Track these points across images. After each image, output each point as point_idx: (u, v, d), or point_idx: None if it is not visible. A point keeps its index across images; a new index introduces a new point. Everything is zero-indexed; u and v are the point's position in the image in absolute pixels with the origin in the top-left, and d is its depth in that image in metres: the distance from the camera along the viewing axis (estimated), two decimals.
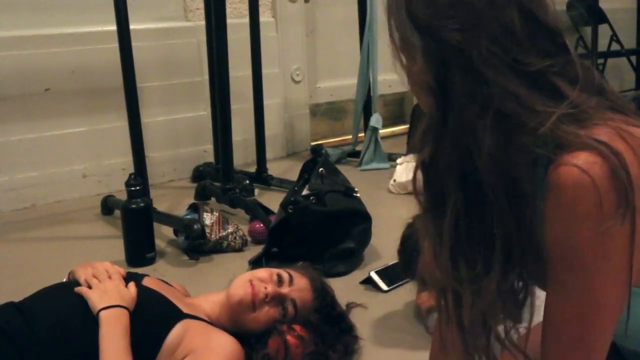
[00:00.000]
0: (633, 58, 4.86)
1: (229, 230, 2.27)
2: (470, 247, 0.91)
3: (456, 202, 0.89)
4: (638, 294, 0.89)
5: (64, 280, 1.51)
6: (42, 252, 2.37)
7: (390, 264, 1.98)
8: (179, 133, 3.24)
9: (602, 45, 4.58)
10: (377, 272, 1.95)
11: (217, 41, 2.54)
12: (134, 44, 2.38)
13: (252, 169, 3.13)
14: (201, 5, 3.07)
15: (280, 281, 1.47)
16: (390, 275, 1.93)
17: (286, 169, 3.29)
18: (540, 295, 0.94)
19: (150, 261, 2.18)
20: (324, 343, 1.43)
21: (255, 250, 2.19)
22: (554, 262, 0.86)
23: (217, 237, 2.24)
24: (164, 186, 3.13)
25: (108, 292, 1.33)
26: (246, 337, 1.42)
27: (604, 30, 4.56)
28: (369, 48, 3.24)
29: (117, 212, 2.56)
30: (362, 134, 3.47)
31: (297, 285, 1.48)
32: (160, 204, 2.65)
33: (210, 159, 3.22)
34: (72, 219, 2.71)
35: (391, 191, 2.84)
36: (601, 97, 0.89)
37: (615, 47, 4.68)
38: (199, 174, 3.17)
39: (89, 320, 1.29)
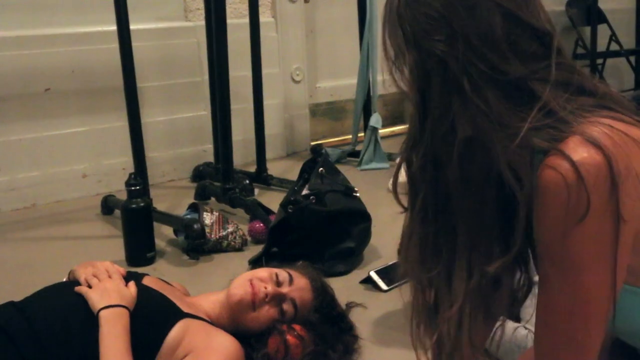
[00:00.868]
0: (632, 58, 4.87)
1: (229, 230, 2.27)
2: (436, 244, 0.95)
3: (425, 202, 0.94)
4: (629, 291, 0.89)
5: (64, 279, 1.51)
6: (42, 252, 2.37)
7: (390, 263, 1.98)
8: (179, 133, 3.24)
9: (601, 45, 4.58)
10: (377, 272, 1.95)
11: (217, 41, 2.54)
12: (134, 44, 2.38)
13: (252, 169, 3.13)
14: (201, 5, 3.07)
15: (280, 281, 1.48)
16: (390, 274, 1.93)
17: (286, 169, 3.29)
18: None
19: (150, 261, 2.18)
20: (323, 343, 1.43)
21: (255, 250, 2.19)
22: (543, 260, 0.87)
23: (217, 236, 2.24)
24: (164, 186, 3.13)
25: (108, 292, 1.33)
26: (246, 337, 1.42)
27: (603, 31, 4.56)
28: (369, 48, 3.25)
29: (117, 212, 2.57)
30: (362, 134, 3.47)
31: (297, 284, 1.49)
32: (160, 204, 2.65)
33: (210, 158, 3.22)
34: (72, 219, 2.71)
35: (391, 191, 2.84)
36: (592, 98, 0.89)
37: (614, 47, 4.69)
38: (199, 174, 3.17)
39: (89, 320, 1.29)
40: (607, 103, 0.89)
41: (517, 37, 0.87)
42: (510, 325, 1.40)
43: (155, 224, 2.25)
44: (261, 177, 3.07)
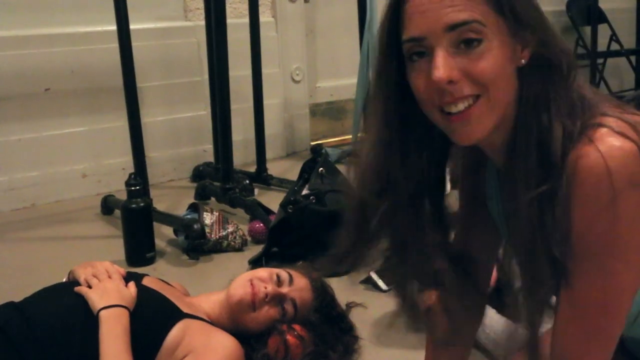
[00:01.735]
0: (632, 58, 4.86)
1: (229, 230, 2.27)
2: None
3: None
4: None
5: (64, 280, 1.51)
6: (42, 252, 2.37)
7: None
8: (179, 133, 3.24)
9: (602, 45, 4.58)
10: (377, 272, 1.94)
11: (217, 41, 2.54)
12: (134, 43, 2.38)
13: (252, 169, 3.13)
14: (201, 5, 3.07)
15: (280, 281, 1.47)
16: (390, 275, 1.93)
17: (286, 169, 3.29)
18: None
19: (150, 261, 2.18)
20: (323, 343, 1.43)
21: (255, 250, 2.19)
22: (577, 250, 0.86)
23: (217, 236, 2.24)
24: (163, 186, 3.13)
25: (108, 292, 1.33)
26: (246, 337, 1.41)
27: (603, 30, 4.56)
28: (369, 47, 3.24)
29: (117, 212, 2.56)
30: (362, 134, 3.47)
31: (297, 285, 1.48)
32: (160, 204, 2.65)
33: (210, 158, 3.22)
34: (72, 219, 2.71)
35: None
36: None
37: (614, 47, 4.68)
38: (199, 174, 3.17)
39: (89, 320, 1.28)
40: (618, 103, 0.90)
41: None
42: (503, 320, 1.41)
43: (155, 224, 2.25)
44: (261, 177, 3.06)
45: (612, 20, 4.62)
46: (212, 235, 2.24)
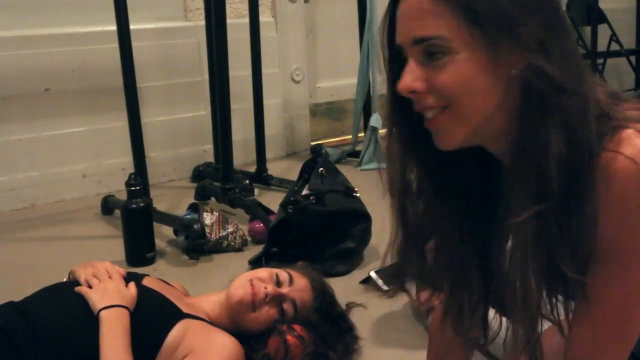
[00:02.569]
0: (632, 58, 4.87)
1: (229, 230, 2.27)
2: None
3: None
4: None
5: (64, 280, 1.51)
6: (42, 252, 2.37)
7: (390, 263, 1.98)
8: (179, 133, 3.24)
9: (602, 45, 4.58)
10: (377, 272, 1.94)
11: (217, 41, 2.54)
12: (134, 43, 2.38)
13: (252, 169, 3.13)
14: (201, 5, 3.07)
15: (280, 281, 1.47)
16: (390, 275, 1.93)
17: (286, 169, 3.29)
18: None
19: (150, 261, 2.18)
20: (323, 343, 1.43)
21: (255, 250, 2.19)
22: (600, 254, 0.85)
23: (217, 236, 2.24)
24: (163, 186, 3.13)
25: (108, 292, 1.33)
26: (246, 337, 1.41)
27: (603, 30, 4.56)
28: (369, 48, 3.25)
29: (117, 212, 2.56)
30: (362, 134, 3.48)
31: (297, 285, 1.48)
32: (160, 204, 2.65)
33: (210, 158, 3.22)
34: (72, 219, 2.71)
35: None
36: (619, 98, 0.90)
37: (614, 47, 4.68)
38: (199, 174, 3.17)
39: (90, 320, 1.28)
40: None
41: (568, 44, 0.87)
42: (504, 320, 1.40)
43: (155, 224, 2.25)
44: (261, 177, 3.06)
45: (612, 20, 4.62)
46: (212, 236, 2.24)
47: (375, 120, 3.33)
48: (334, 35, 3.83)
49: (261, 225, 2.33)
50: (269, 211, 2.42)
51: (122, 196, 2.28)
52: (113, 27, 2.37)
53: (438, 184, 0.97)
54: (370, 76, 3.32)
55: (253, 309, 1.43)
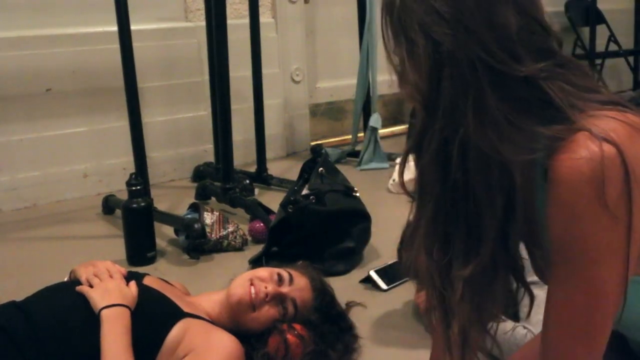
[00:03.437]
0: (631, 58, 4.87)
1: (229, 230, 2.27)
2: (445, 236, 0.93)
3: (437, 196, 0.91)
4: (636, 282, 0.90)
5: (65, 279, 1.51)
6: (43, 252, 2.37)
7: (389, 263, 1.98)
8: (179, 133, 3.24)
9: (600, 45, 4.58)
10: (377, 271, 1.95)
11: (217, 41, 2.54)
12: (134, 44, 2.38)
13: (252, 169, 3.13)
14: (201, 5, 3.07)
15: (280, 280, 1.48)
16: (390, 274, 1.93)
17: (286, 169, 3.29)
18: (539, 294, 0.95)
19: (151, 260, 2.18)
20: (323, 342, 1.43)
21: (255, 250, 2.19)
22: (557, 255, 0.87)
23: (218, 236, 2.25)
24: (164, 186, 3.13)
25: (109, 291, 1.33)
26: (246, 336, 1.42)
27: (601, 31, 4.56)
28: (369, 48, 3.25)
29: (118, 212, 2.56)
30: (362, 134, 3.47)
31: (297, 284, 1.49)
32: (161, 204, 2.65)
33: (211, 158, 3.22)
34: (73, 219, 2.71)
35: (391, 191, 2.84)
36: (597, 94, 0.89)
37: (613, 47, 4.68)
38: (199, 174, 3.17)
39: (91, 319, 1.29)
40: (613, 98, 0.89)
41: (528, 33, 0.86)
42: (509, 324, 1.40)
43: (155, 223, 2.25)
44: (261, 177, 3.07)
45: (611, 20, 4.62)
46: (213, 235, 2.24)
47: (375, 120, 3.33)
48: (334, 36, 3.83)
49: (261, 224, 2.33)
50: (269, 211, 2.43)
51: (123, 196, 2.28)
52: (114, 28, 2.37)
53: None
54: (370, 76, 3.32)
55: (253, 309, 1.43)
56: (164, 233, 2.41)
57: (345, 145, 3.65)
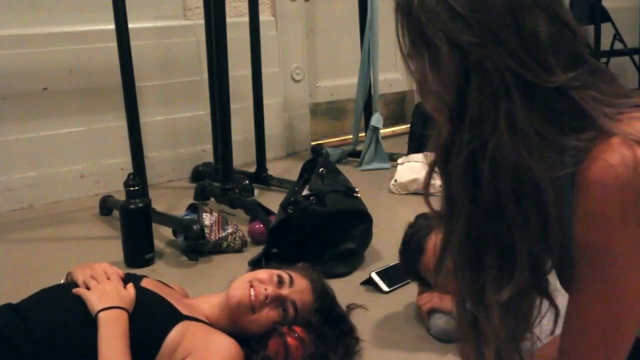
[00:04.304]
0: (636, 57, 4.86)
1: (229, 231, 2.26)
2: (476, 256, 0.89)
3: (467, 215, 0.88)
4: None
5: (62, 281, 1.50)
6: (40, 253, 2.36)
7: (391, 264, 1.98)
8: (178, 133, 3.23)
9: (605, 44, 4.57)
10: (378, 273, 1.94)
11: (216, 40, 2.53)
12: (132, 43, 2.37)
13: (252, 169, 3.12)
14: (200, 3, 3.06)
15: (280, 282, 1.47)
16: (391, 276, 1.93)
17: (286, 169, 3.29)
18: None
19: (149, 262, 2.17)
20: (324, 344, 1.42)
21: (254, 251, 2.18)
22: (582, 262, 0.85)
23: (217, 237, 2.24)
24: (162, 186, 3.13)
25: (107, 294, 1.33)
26: (246, 339, 1.41)
27: (607, 29, 4.55)
28: (370, 47, 3.24)
29: (116, 213, 2.56)
30: (363, 134, 3.47)
31: (298, 286, 1.48)
32: (159, 205, 2.64)
33: (210, 158, 3.21)
34: (70, 220, 2.70)
35: (392, 191, 2.84)
36: (627, 99, 0.87)
37: (618, 46, 4.67)
38: (198, 174, 3.16)
39: (88, 322, 1.28)
40: None
41: (559, 40, 0.83)
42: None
43: (154, 224, 2.25)
44: (261, 177, 3.06)
45: (616, 19, 4.61)
46: (212, 236, 2.23)
47: (376, 120, 3.32)
48: (335, 34, 3.82)
49: (261, 225, 2.32)
50: (268, 212, 2.41)
51: (121, 196, 2.28)
52: (111, 26, 2.36)
53: None
54: (371, 75, 3.31)
55: (252, 311, 1.42)
56: (162, 234, 2.40)
57: (346, 145, 3.65)
